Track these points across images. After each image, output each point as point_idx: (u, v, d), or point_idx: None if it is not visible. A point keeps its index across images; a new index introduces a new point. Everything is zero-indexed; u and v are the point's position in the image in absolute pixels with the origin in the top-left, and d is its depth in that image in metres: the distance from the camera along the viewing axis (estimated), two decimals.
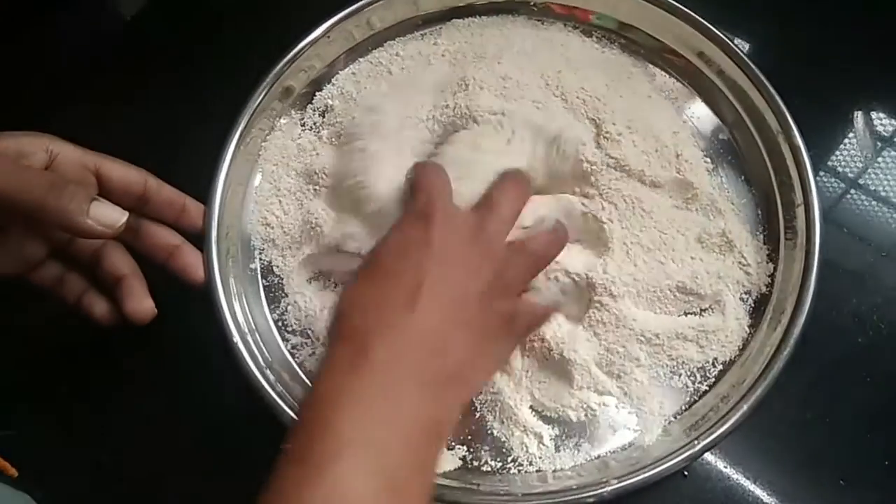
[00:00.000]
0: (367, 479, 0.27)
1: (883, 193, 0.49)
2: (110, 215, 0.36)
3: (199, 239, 0.43)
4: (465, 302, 0.33)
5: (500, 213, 0.38)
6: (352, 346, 0.31)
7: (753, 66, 0.46)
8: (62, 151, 0.38)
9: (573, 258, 0.42)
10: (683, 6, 0.48)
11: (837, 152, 0.50)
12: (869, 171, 0.49)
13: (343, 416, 0.29)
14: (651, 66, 0.50)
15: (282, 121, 0.49)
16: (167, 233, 0.42)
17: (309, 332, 0.44)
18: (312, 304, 0.44)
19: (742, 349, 0.42)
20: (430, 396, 0.31)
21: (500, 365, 0.39)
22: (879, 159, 0.50)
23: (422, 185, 0.38)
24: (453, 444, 0.40)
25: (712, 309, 0.43)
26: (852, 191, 0.49)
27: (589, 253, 0.43)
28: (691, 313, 0.43)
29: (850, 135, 0.50)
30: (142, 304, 0.40)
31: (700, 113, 0.48)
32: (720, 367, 0.42)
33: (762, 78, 0.45)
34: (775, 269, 0.43)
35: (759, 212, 0.45)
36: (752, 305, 0.43)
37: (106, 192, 0.39)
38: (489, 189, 0.40)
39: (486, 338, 0.34)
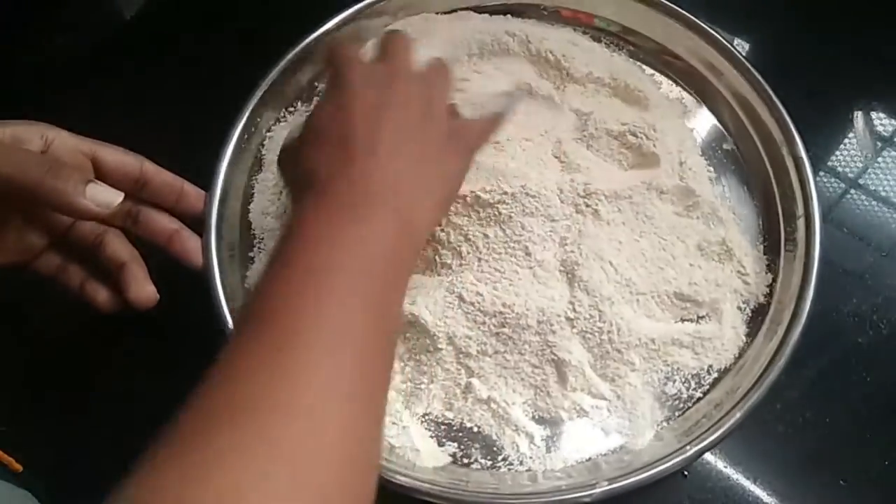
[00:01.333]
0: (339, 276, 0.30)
1: (883, 193, 0.49)
2: (106, 195, 0.37)
3: (198, 224, 0.43)
4: (399, 132, 0.35)
5: (397, 51, 0.39)
6: (308, 192, 0.33)
7: (758, 76, 0.46)
8: (58, 137, 0.38)
9: None
10: (684, 7, 0.48)
11: (837, 152, 0.50)
12: (869, 171, 0.49)
13: (314, 234, 0.31)
14: (657, 73, 0.50)
15: (287, 113, 0.49)
16: (165, 218, 0.42)
17: None
18: None
19: (737, 358, 0.42)
20: (393, 207, 0.33)
21: (454, 182, 0.39)
22: (879, 159, 0.50)
23: (331, 61, 0.39)
24: (444, 440, 0.40)
25: (709, 317, 0.43)
26: (852, 191, 0.49)
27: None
28: (688, 320, 0.43)
29: (850, 135, 0.51)
30: (144, 289, 0.40)
31: (704, 121, 0.49)
32: (715, 374, 0.42)
33: (767, 88, 0.45)
34: (774, 279, 0.43)
35: (761, 222, 0.45)
36: (750, 315, 0.43)
37: (102, 176, 0.39)
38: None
39: (429, 157, 0.36)
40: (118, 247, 0.41)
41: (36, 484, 0.41)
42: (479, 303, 0.41)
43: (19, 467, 0.41)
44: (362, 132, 0.34)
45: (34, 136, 0.38)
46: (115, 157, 0.40)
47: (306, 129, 0.36)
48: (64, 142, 0.38)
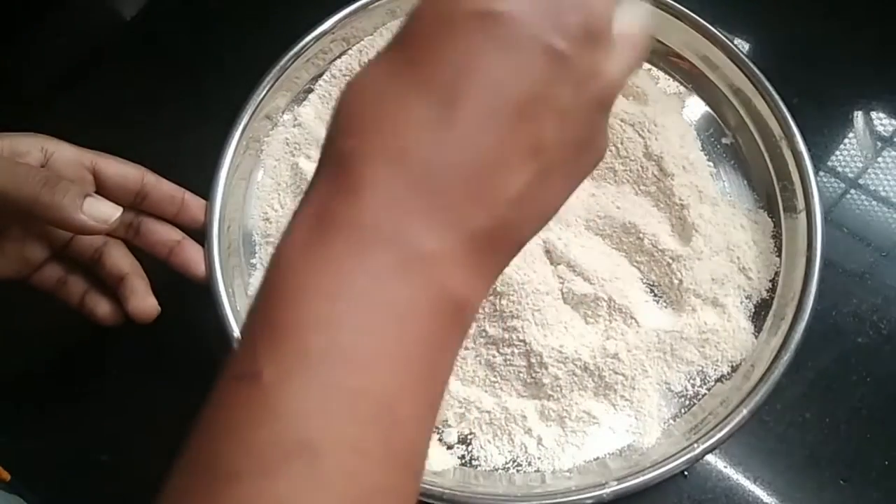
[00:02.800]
0: (334, 419, 0.18)
1: (883, 193, 0.49)
2: (104, 210, 0.36)
3: (200, 234, 0.43)
4: (533, 108, 0.21)
5: None
6: (335, 183, 0.20)
7: (757, 71, 0.45)
8: (57, 150, 0.38)
9: None
10: (686, 7, 0.47)
11: (837, 152, 0.50)
12: (869, 171, 0.49)
13: (305, 309, 0.19)
14: (654, 68, 0.49)
15: (285, 116, 0.49)
16: (167, 229, 0.42)
17: None
18: None
19: (742, 354, 0.42)
20: (453, 262, 0.20)
21: (561, 204, 0.24)
22: (879, 159, 0.50)
23: None
24: (452, 443, 0.40)
25: (713, 313, 0.42)
26: (852, 191, 0.49)
27: None
28: (691, 317, 0.42)
29: (850, 135, 0.50)
30: (145, 302, 0.40)
31: (703, 116, 0.48)
32: (720, 371, 0.41)
33: (766, 83, 0.45)
34: (776, 274, 0.43)
35: (761, 217, 0.45)
36: (753, 310, 0.43)
37: (103, 189, 0.39)
38: None
39: (556, 163, 0.21)
40: (119, 258, 0.41)
41: (24, 493, 0.41)
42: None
43: (7, 476, 0.40)
44: (471, 89, 0.20)
45: (33, 148, 0.37)
46: (116, 168, 0.39)
47: (396, 34, 0.22)
48: (63, 154, 0.38)
